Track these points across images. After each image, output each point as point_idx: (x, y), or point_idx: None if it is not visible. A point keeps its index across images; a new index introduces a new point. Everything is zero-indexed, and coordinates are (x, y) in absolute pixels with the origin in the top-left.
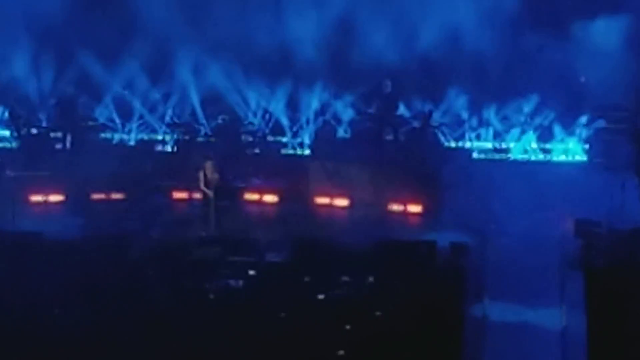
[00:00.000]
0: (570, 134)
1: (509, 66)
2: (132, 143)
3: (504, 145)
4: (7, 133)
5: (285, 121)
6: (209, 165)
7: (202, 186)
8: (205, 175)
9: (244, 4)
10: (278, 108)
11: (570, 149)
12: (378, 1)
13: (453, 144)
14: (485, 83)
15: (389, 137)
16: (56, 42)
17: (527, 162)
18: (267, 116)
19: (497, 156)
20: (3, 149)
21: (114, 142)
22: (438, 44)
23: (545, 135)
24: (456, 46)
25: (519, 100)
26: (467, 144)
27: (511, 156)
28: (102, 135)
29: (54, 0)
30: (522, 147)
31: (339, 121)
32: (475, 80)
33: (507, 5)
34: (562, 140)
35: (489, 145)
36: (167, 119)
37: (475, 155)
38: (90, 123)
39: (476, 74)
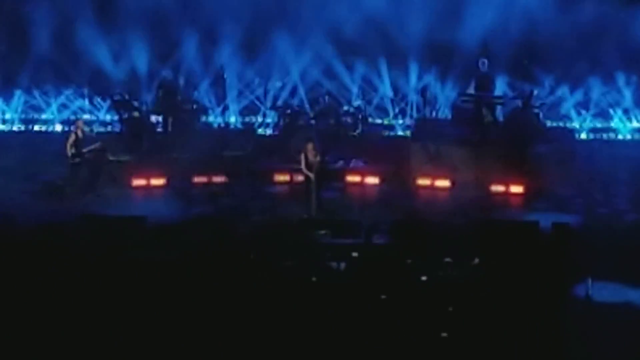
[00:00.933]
0: None
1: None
2: (233, 126)
3: (610, 125)
4: (108, 117)
5: (387, 103)
6: (310, 147)
7: (303, 169)
8: (306, 157)
9: None
10: (381, 89)
11: None
12: None
13: (555, 124)
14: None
15: (489, 118)
16: (157, 24)
17: (633, 142)
18: (368, 98)
19: (603, 136)
20: (105, 133)
21: (215, 125)
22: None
23: None
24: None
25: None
26: (571, 124)
27: (617, 136)
28: (204, 118)
29: None
30: (629, 126)
31: (439, 102)
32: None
33: None
34: None
35: (592, 125)
36: (269, 101)
37: (580, 135)
38: (192, 106)
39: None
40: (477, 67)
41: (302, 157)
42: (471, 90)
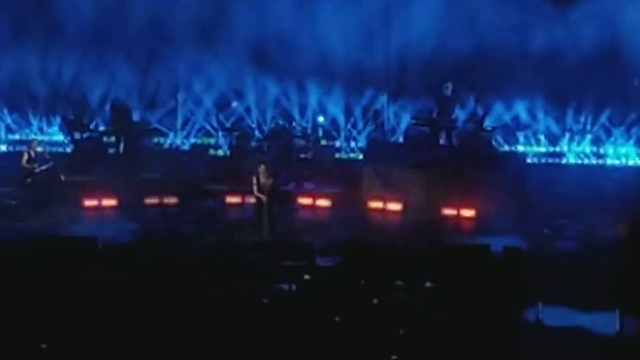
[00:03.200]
0: (625, 137)
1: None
2: (185, 147)
3: (557, 149)
4: (61, 138)
5: (339, 125)
6: (262, 169)
7: (255, 191)
8: (258, 179)
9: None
10: (332, 112)
11: (624, 153)
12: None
13: (506, 148)
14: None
15: (443, 141)
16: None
17: (581, 166)
18: (319, 120)
19: (550, 160)
20: (57, 153)
21: (167, 146)
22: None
23: (599, 139)
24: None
25: (571, 104)
26: (520, 148)
27: (565, 160)
28: (155, 139)
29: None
30: (576, 150)
31: (391, 126)
32: (530, 84)
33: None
34: (615, 144)
35: (542, 149)
36: (219, 123)
37: (529, 159)
38: (144, 127)
39: (533, 76)
40: (441, 91)
41: (254, 179)
42: (434, 113)
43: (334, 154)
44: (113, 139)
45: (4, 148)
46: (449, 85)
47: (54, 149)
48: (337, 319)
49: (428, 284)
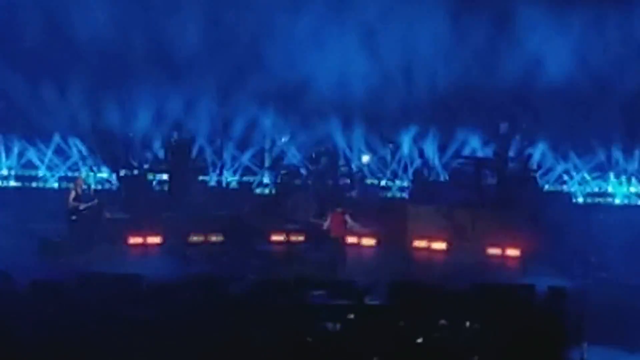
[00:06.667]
0: None
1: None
2: (233, 185)
3: (606, 189)
4: (106, 175)
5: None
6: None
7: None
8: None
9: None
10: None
11: None
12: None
13: (552, 188)
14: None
15: (492, 181)
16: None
17: (629, 207)
18: (364, 160)
19: (598, 200)
20: (103, 190)
21: (212, 184)
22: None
23: None
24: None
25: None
26: (567, 188)
27: (614, 200)
28: (201, 177)
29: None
30: (624, 191)
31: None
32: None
33: None
34: None
35: (590, 189)
36: (267, 162)
37: (576, 199)
38: (193, 165)
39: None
40: (497, 130)
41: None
42: (489, 153)
43: (378, 192)
44: (165, 176)
45: (55, 185)
46: (506, 124)
47: (99, 186)
48: (376, 359)
49: (468, 324)
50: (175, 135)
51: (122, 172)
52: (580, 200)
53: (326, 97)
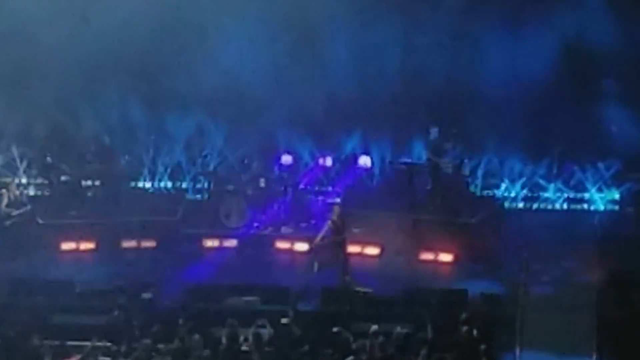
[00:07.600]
0: (605, 183)
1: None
2: (163, 191)
3: (537, 194)
4: (38, 181)
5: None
6: (336, 211)
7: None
8: (334, 221)
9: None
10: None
11: (603, 199)
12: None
13: (484, 193)
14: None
15: (425, 186)
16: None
17: (560, 211)
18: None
19: (528, 205)
20: (34, 196)
21: (145, 189)
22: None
23: (578, 184)
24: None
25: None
26: (498, 193)
27: (544, 205)
28: (133, 183)
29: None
30: (556, 196)
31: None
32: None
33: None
34: (595, 190)
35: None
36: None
37: (507, 204)
38: (123, 171)
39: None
40: (427, 135)
41: (331, 222)
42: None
43: (311, 196)
44: (90, 182)
45: None
46: (435, 129)
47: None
48: None
49: (398, 329)
50: (107, 140)
51: (55, 178)
52: (521, 205)
53: (263, 101)
